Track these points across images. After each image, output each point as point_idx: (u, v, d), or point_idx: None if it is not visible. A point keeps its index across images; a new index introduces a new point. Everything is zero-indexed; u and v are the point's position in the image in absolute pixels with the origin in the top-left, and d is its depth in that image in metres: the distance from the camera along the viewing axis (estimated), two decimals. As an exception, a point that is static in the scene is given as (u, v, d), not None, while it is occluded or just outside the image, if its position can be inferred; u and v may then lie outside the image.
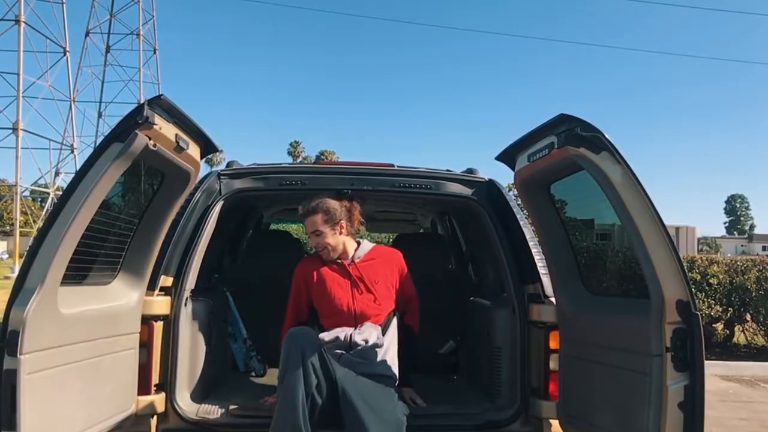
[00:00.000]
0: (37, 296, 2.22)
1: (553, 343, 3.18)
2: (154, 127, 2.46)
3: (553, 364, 3.19)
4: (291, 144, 63.56)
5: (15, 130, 32.53)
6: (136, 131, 2.40)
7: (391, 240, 8.52)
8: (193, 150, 2.92)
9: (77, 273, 2.57)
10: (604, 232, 3.16)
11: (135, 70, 48.61)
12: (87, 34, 46.91)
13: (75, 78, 42.26)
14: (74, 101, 41.59)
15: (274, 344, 4.33)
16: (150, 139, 2.49)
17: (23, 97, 33.23)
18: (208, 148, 3.04)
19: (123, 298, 2.88)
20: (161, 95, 2.47)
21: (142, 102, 2.42)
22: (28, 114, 35.59)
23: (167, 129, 2.61)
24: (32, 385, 2.24)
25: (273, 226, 7.29)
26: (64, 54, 38.44)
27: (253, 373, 4.21)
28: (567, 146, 2.59)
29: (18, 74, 33.00)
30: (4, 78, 33.69)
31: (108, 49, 48.49)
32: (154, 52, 50.93)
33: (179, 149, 2.75)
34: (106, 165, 2.36)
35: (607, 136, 2.46)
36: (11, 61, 33.54)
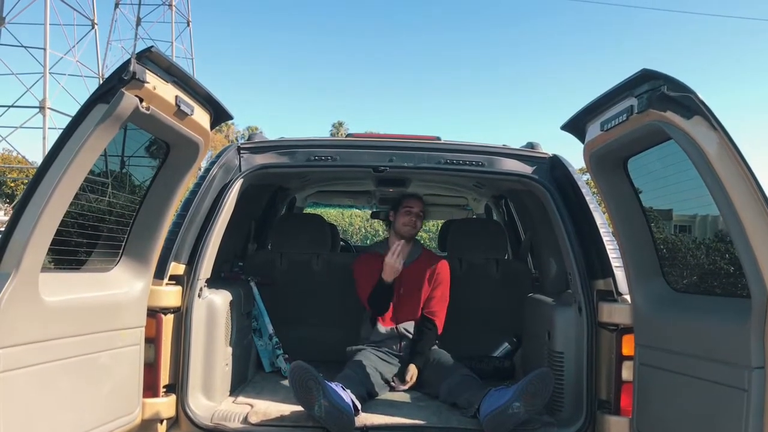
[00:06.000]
0: (13, 282, 2.11)
1: (627, 349, 3.01)
2: (146, 85, 2.32)
3: (626, 374, 3.02)
4: (333, 125, 63.82)
5: (42, 108, 33.59)
6: (123, 90, 2.25)
7: (438, 227, 8.33)
8: (201, 116, 2.79)
9: (67, 258, 2.48)
10: (693, 215, 2.92)
11: (167, 44, 49.63)
12: (116, 5, 48.10)
13: (104, 53, 43.37)
14: (103, 77, 42.67)
15: (303, 341, 4.31)
16: (141, 100, 2.35)
17: (50, 73, 34.23)
18: (219, 115, 2.91)
19: (124, 286, 2.78)
20: (152, 47, 2.30)
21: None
22: (55, 92, 36.58)
23: (164, 89, 2.47)
24: (8, 384, 2.14)
25: (308, 210, 7.20)
26: (92, 27, 39.44)
27: (281, 374, 4.12)
28: (650, 110, 2.38)
29: (44, 49, 34.00)
30: (30, 53, 34.78)
31: (138, 22, 49.58)
32: (188, 25, 51.87)
33: (182, 114, 2.62)
34: (89, 130, 2.21)
35: (700, 96, 2.23)
36: (38, 36, 34.62)
